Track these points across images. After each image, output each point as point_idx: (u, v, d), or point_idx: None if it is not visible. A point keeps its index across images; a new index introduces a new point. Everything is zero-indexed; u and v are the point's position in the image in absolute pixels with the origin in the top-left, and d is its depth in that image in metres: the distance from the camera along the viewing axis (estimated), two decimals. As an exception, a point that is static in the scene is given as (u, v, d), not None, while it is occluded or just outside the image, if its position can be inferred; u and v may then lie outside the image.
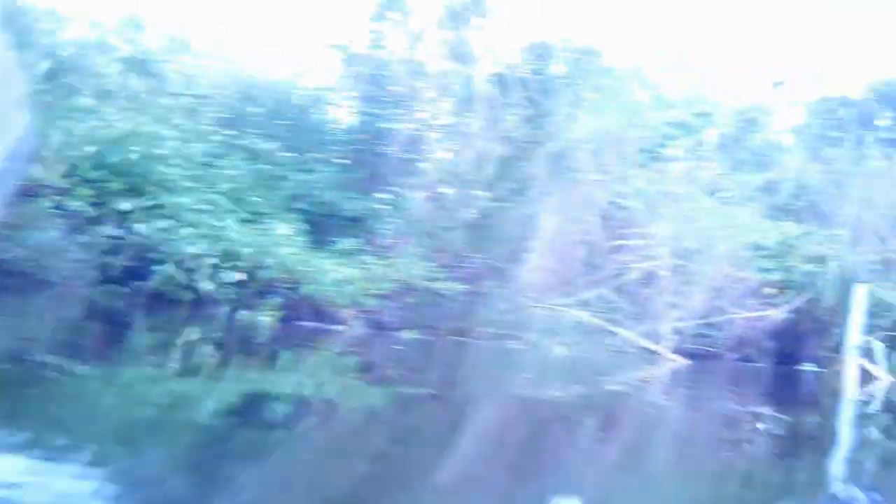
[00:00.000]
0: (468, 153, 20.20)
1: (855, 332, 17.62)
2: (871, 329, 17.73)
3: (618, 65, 22.13)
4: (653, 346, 17.11)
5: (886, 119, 25.23)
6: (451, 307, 17.15)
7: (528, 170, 19.56)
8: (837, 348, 17.78)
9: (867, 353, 17.43)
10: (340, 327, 16.30)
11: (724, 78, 30.15)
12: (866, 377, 16.97)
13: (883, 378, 17.03)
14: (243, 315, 15.65)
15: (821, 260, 18.95)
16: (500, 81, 21.05)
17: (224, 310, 15.69)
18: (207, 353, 12.98)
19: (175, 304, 15.38)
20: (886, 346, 17.53)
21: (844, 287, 18.40)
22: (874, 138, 23.71)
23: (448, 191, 20.05)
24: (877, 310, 18.10)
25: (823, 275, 18.68)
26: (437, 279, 17.49)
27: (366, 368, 13.80)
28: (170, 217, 16.27)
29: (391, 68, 21.26)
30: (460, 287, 17.39)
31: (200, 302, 15.61)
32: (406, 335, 16.16)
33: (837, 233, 19.60)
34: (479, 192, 19.59)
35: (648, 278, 17.88)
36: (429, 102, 21.45)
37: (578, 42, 21.58)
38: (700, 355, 17.17)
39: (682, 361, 16.78)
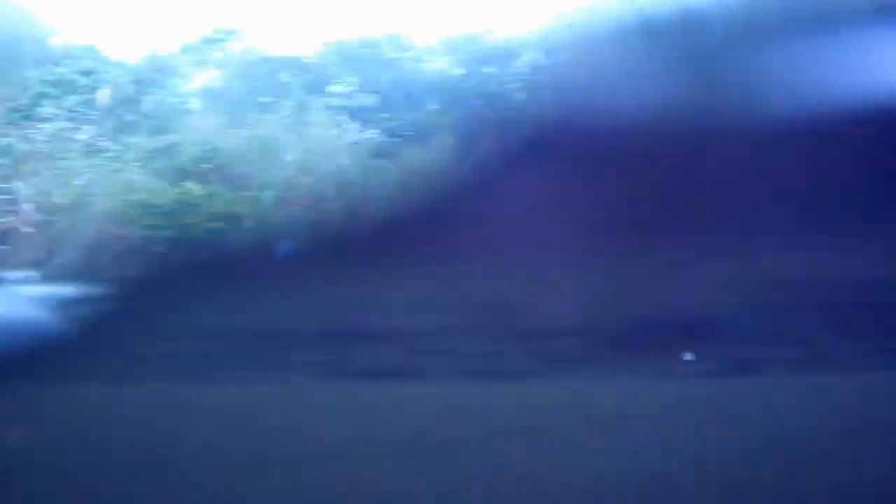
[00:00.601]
0: None
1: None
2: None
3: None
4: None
5: (345, 84, 23.42)
6: None
7: None
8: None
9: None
10: None
11: (129, 32, 27.05)
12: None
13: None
14: None
15: (231, 219, 17.30)
16: None
17: None
18: None
19: None
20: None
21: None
22: (325, 104, 22.44)
23: None
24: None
25: (233, 232, 17.06)
26: None
27: None
28: None
29: None
30: None
31: None
32: None
33: (255, 195, 18.26)
34: None
35: (10, 234, 15.43)
36: None
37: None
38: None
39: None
